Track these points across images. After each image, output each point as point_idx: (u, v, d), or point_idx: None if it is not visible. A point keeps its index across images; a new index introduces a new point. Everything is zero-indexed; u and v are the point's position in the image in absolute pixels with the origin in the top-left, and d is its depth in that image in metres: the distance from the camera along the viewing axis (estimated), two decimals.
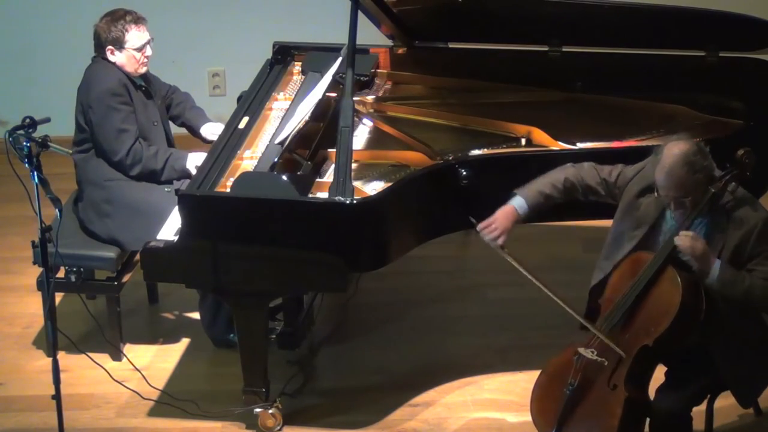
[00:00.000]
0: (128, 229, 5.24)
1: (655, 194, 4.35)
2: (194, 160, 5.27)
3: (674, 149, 4.27)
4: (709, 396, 4.50)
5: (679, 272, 4.29)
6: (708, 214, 4.33)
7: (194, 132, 5.59)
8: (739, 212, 4.30)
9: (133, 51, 5.28)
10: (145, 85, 5.42)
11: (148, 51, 5.34)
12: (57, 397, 4.54)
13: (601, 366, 4.37)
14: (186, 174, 5.29)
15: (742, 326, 4.36)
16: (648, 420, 4.42)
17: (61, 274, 5.20)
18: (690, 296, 4.26)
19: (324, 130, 5.24)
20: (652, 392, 4.45)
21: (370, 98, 5.55)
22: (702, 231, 4.34)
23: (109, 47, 5.28)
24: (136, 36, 5.28)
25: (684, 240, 4.26)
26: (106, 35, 5.27)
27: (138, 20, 5.30)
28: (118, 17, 5.28)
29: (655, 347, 4.30)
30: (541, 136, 5.19)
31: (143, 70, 5.37)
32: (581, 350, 4.40)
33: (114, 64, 5.30)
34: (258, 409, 4.93)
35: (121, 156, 5.25)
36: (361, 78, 5.61)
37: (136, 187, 5.29)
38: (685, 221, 4.32)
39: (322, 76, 5.26)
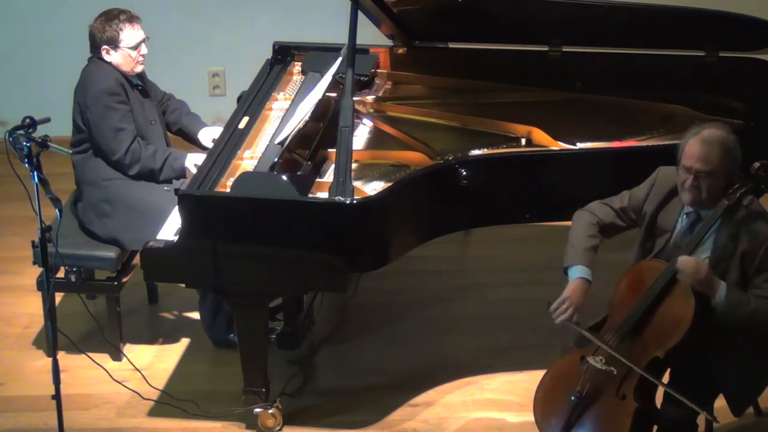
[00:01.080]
0: (128, 229, 5.24)
1: (677, 166, 4.31)
2: (193, 160, 5.27)
3: (717, 129, 4.28)
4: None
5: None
6: (720, 223, 4.30)
7: (191, 138, 5.58)
8: (753, 225, 4.26)
9: (128, 50, 5.28)
10: (142, 84, 5.42)
11: (144, 49, 5.34)
12: (57, 397, 4.54)
13: (609, 375, 4.31)
14: (184, 174, 5.29)
15: (742, 336, 4.35)
16: (655, 428, 4.39)
17: (61, 274, 5.20)
18: (702, 309, 4.22)
19: (324, 130, 5.24)
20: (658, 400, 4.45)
21: (370, 98, 5.55)
22: (712, 238, 4.31)
23: (105, 47, 5.28)
24: (130, 35, 5.28)
25: (685, 265, 4.22)
26: (101, 35, 5.27)
27: (132, 19, 5.30)
28: (113, 17, 5.28)
29: (666, 359, 4.27)
30: (541, 136, 5.19)
31: (139, 69, 5.37)
32: (590, 359, 4.34)
33: (110, 63, 5.30)
34: (258, 409, 4.93)
35: (119, 155, 5.25)
36: (361, 78, 5.61)
37: (135, 186, 5.29)
38: (698, 234, 4.28)
39: (322, 76, 5.26)
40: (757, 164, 4.28)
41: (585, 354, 4.39)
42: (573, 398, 4.34)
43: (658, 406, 4.40)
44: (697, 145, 4.26)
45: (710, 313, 4.25)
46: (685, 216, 4.39)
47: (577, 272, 4.48)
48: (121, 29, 5.27)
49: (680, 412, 4.29)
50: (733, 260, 4.27)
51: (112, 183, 5.29)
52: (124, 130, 5.24)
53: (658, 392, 4.39)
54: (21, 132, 4.48)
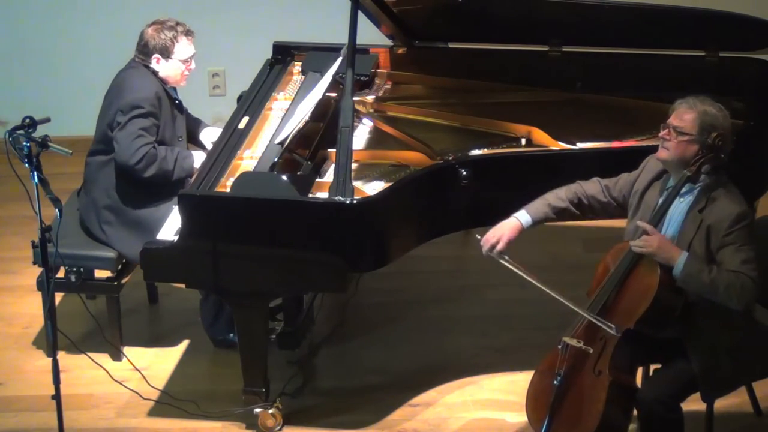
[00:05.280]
0: (125, 242, 5.21)
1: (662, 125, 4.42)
2: (201, 158, 5.25)
3: (707, 103, 4.41)
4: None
5: None
6: (690, 195, 4.38)
7: (193, 138, 5.57)
8: (720, 201, 4.34)
9: (179, 62, 5.26)
10: (179, 99, 5.39)
11: (192, 65, 5.33)
12: (57, 397, 4.54)
13: (586, 354, 4.41)
14: (193, 173, 5.27)
15: (718, 324, 4.38)
16: (637, 413, 4.43)
17: (61, 274, 5.20)
18: (668, 278, 4.30)
19: (324, 130, 5.24)
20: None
21: (370, 98, 5.55)
22: (683, 214, 4.38)
23: (156, 55, 5.25)
24: (185, 48, 5.26)
25: (637, 243, 4.33)
26: (155, 42, 5.23)
27: (189, 33, 5.29)
28: (170, 26, 5.25)
29: (636, 329, 4.34)
30: (541, 136, 5.19)
31: (183, 83, 5.34)
32: (566, 339, 4.44)
33: (155, 73, 5.28)
34: (258, 409, 4.93)
35: (134, 161, 5.18)
36: (361, 78, 5.61)
37: (142, 203, 5.26)
38: (662, 205, 4.37)
39: (322, 76, 5.27)
40: (714, 134, 4.35)
41: (563, 337, 4.48)
42: (555, 382, 4.43)
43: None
44: (680, 105, 4.42)
45: (681, 290, 4.32)
46: (666, 192, 4.44)
47: (519, 215, 4.63)
48: (177, 40, 5.24)
49: (659, 393, 4.34)
50: (699, 234, 4.34)
51: (121, 195, 5.27)
52: (142, 136, 5.18)
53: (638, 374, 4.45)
54: (21, 132, 4.48)
